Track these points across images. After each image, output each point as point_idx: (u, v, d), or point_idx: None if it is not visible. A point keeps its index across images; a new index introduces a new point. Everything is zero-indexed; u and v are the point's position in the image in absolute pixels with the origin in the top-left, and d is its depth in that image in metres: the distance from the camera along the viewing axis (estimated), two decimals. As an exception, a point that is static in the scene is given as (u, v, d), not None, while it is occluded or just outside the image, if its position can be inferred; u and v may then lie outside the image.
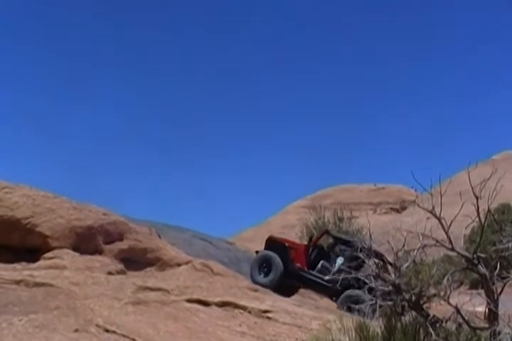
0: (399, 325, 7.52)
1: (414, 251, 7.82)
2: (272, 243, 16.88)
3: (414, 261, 7.73)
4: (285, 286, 16.13)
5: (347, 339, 7.57)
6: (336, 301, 15.61)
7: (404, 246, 7.87)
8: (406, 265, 7.60)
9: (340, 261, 16.25)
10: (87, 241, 13.55)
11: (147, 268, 13.81)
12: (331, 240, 17.12)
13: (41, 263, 12.74)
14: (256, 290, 12.47)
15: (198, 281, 12.38)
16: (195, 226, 17.38)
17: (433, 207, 7.65)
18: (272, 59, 70.46)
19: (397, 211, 33.73)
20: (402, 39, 71.22)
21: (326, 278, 15.83)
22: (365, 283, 15.45)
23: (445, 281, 7.41)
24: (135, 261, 13.85)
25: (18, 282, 11.52)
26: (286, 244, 16.78)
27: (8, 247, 13.10)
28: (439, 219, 7.64)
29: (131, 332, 9.82)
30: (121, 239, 13.98)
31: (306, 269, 16.28)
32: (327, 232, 17.09)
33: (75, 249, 13.27)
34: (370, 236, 8.29)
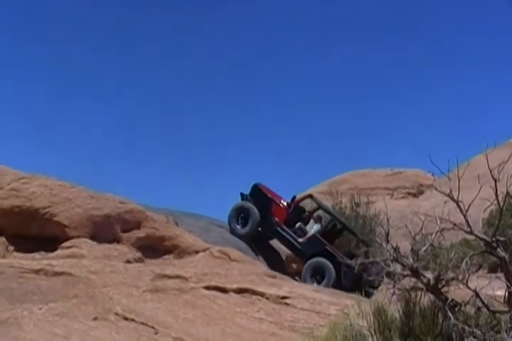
0: (417, 309, 7.49)
1: (431, 235, 7.77)
2: (257, 192, 17.02)
3: (432, 244, 7.68)
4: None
5: (365, 324, 7.54)
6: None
7: (421, 230, 7.82)
8: (424, 249, 7.55)
9: (316, 227, 16.71)
10: (104, 230, 13.61)
11: (165, 255, 13.86)
12: (314, 205, 17.32)
13: (60, 252, 12.81)
14: (274, 277, 12.47)
15: (216, 268, 12.39)
16: (211, 214, 17.39)
17: (450, 191, 7.58)
18: (285, 39, 70.08)
19: (414, 195, 33.57)
20: (420, 18, 70.46)
21: (300, 240, 16.13)
22: (333, 255, 15.99)
23: (464, 265, 7.36)
24: (153, 249, 13.90)
25: (37, 271, 11.59)
26: (270, 196, 16.90)
27: (27, 237, 13.18)
28: (457, 202, 7.57)
29: (150, 319, 9.86)
30: (138, 228, 14.04)
31: (283, 226, 16.53)
32: (311, 197, 17.27)
33: (93, 237, 13.34)
34: (388, 220, 8.23)
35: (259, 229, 16.95)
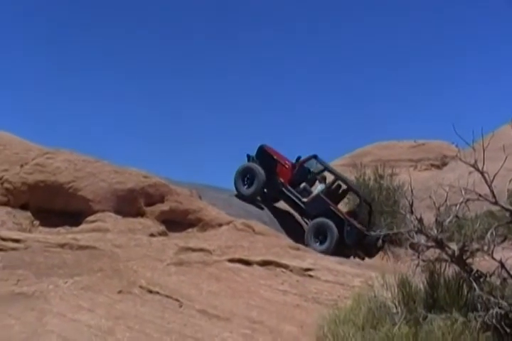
0: (442, 280, 7.46)
1: (456, 206, 7.70)
2: (263, 153, 17.14)
3: (456, 216, 7.62)
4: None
5: (389, 295, 7.53)
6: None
7: (446, 201, 7.75)
8: (448, 220, 7.49)
9: (320, 187, 16.85)
10: (128, 204, 13.67)
11: (188, 229, 13.91)
12: (319, 166, 17.41)
13: (84, 226, 12.90)
14: (297, 249, 12.48)
15: (240, 241, 12.41)
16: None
17: (475, 162, 7.49)
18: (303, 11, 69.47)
19: (438, 167, 33.34)
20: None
21: (304, 200, 16.23)
22: (336, 215, 16.22)
23: (488, 236, 7.30)
24: (176, 222, 13.95)
25: (62, 245, 11.68)
26: (275, 157, 17.01)
27: (52, 211, 13.28)
28: (481, 173, 7.49)
29: (174, 292, 9.92)
30: (162, 201, 14.08)
31: (287, 186, 16.68)
32: (315, 157, 17.22)
33: (117, 211, 13.41)
34: (412, 191, 8.16)
35: (265, 190, 17.12)
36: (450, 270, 7.51)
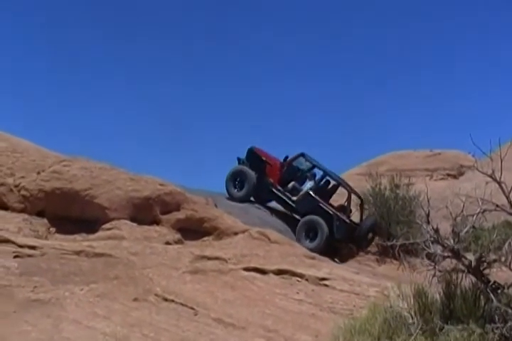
0: (458, 291, 7.41)
1: (473, 216, 7.65)
2: (252, 155, 17.33)
3: (473, 226, 7.57)
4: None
5: (405, 305, 7.48)
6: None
7: (462, 211, 7.70)
8: (465, 230, 7.44)
9: (309, 185, 17.03)
10: (144, 212, 13.71)
11: (204, 237, 13.91)
12: (308, 163, 17.47)
13: (100, 234, 12.95)
14: (313, 258, 12.45)
15: (255, 250, 12.41)
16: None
17: (493, 171, 7.44)
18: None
19: (454, 177, 33.16)
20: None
21: (293, 198, 16.52)
22: (326, 212, 16.18)
23: (506, 247, 7.24)
24: (192, 230, 13.96)
25: (78, 252, 11.73)
26: (264, 158, 17.19)
27: (68, 219, 13.33)
28: (499, 183, 7.44)
29: (190, 300, 9.93)
30: (178, 209, 14.10)
31: (277, 186, 16.91)
32: (303, 155, 17.32)
33: (133, 219, 13.45)
34: (428, 201, 8.13)
35: (257, 191, 17.29)
36: (467, 281, 7.46)
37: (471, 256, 7.36)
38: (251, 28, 67.80)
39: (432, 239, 7.48)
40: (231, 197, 16.91)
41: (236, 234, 13.75)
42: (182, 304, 9.84)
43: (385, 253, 17.74)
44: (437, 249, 7.55)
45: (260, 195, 17.34)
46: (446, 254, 7.45)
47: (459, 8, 66.08)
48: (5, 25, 57.52)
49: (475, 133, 7.80)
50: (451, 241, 7.40)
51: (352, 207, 17.16)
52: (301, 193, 16.78)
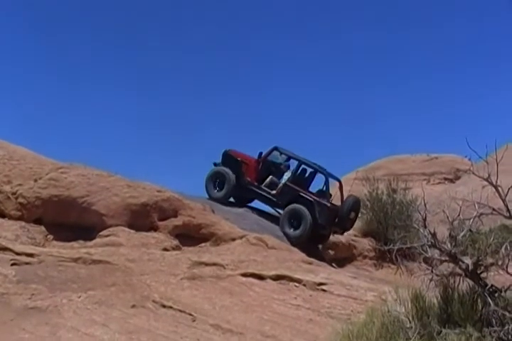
0: (456, 295, 7.42)
1: (469, 220, 7.67)
2: (227, 157, 17.51)
3: (470, 230, 7.59)
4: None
5: (403, 310, 7.49)
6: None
7: (459, 215, 7.73)
8: (462, 234, 7.46)
9: (286, 176, 17.20)
10: (142, 219, 13.71)
11: (202, 243, 13.91)
12: (283, 156, 17.62)
13: (98, 240, 12.94)
14: (310, 263, 12.46)
15: (253, 255, 12.41)
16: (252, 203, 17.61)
17: (489, 175, 7.46)
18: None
19: (451, 181, 33.20)
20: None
21: (273, 192, 16.88)
22: (307, 199, 16.33)
23: (503, 250, 7.26)
24: (190, 236, 13.96)
25: (76, 259, 11.72)
26: (239, 159, 17.39)
27: (66, 226, 13.33)
28: (495, 187, 7.46)
29: (188, 307, 9.93)
30: (175, 216, 14.10)
31: (255, 183, 17.11)
32: (276, 149, 17.51)
33: (131, 226, 13.45)
34: (425, 205, 8.14)
35: (238, 192, 17.45)
36: (464, 284, 7.47)
37: (468, 260, 7.38)
38: (252, 32, 67.93)
39: (429, 243, 7.50)
40: (211, 198, 17.01)
41: (234, 239, 13.76)
42: (180, 310, 9.84)
43: (383, 258, 17.77)
44: (434, 253, 7.57)
45: (241, 195, 17.52)
46: (443, 258, 7.47)
47: (460, 15, 66.30)
48: (4, 31, 57.54)
49: (471, 137, 7.80)
50: (449, 245, 7.42)
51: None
52: (280, 186, 16.95)
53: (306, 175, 17.56)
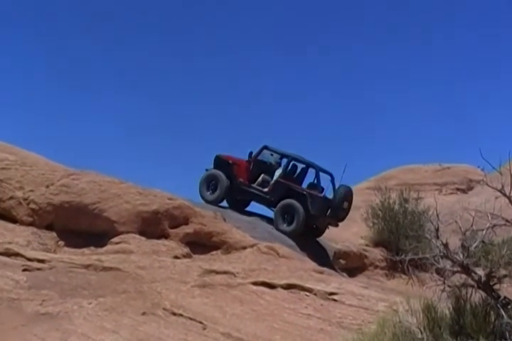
0: (468, 306, 7.37)
1: (482, 231, 7.63)
2: (219, 161, 17.68)
3: (483, 241, 7.54)
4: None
5: (414, 321, 7.45)
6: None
7: (472, 226, 7.68)
8: (475, 245, 7.42)
9: (277, 173, 17.38)
10: (153, 226, 13.71)
11: (213, 251, 13.88)
12: (275, 154, 17.79)
13: (109, 247, 12.95)
14: (322, 273, 12.41)
15: (264, 264, 12.39)
16: (258, 210, 17.62)
17: (502, 186, 7.43)
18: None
19: (464, 191, 33.05)
20: None
21: (265, 190, 17.11)
22: (299, 193, 16.48)
23: (516, 262, 7.22)
24: (200, 244, 13.94)
25: (86, 266, 11.75)
26: (230, 161, 17.57)
27: (77, 232, 13.35)
28: (508, 198, 7.43)
29: (198, 315, 9.91)
30: (186, 223, 14.09)
31: (247, 183, 17.28)
32: (266, 148, 17.65)
33: (142, 233, 13.45)
34: (438, 215, 8.10)
35: (232, 195, 17.60)
36: (477, 296, 7.42)
37: (480, 271, 7.33)
38: (252, 30, 67.87)
39: (442, 253, 7.46)
40: (204, 200, 17.14)
41: (245, 248, 13.73)
42: (190, 318, 9.82)
43: (394, 268, 17.71)
44: (447, 264, 7.53)
45: (235, 197, 17.64)
46: (455, 269, 7.43)
47: (472, 23, 66.20)
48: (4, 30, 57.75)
49: (484, 147, 7.78)
50: (461, 256, 7.37)
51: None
52: (271, 183, 17.14)
53: (298, 171, 17.77)
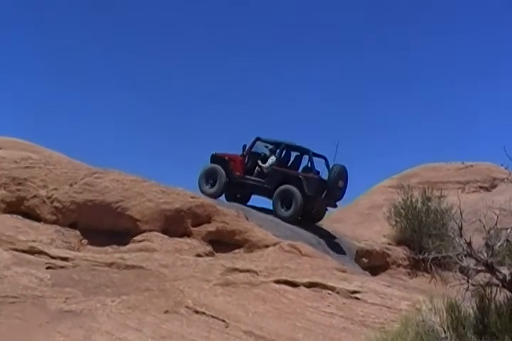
0: (492, 305, 7.31)
1: (507, 229, 7.57)
2: (216, 159, 17.95)
3: (507, 239, 7.48)
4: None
5: (438, 320, 7.41)
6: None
7: (496, 224, 7.62)
8: (499, 244, 7.36)
9: (271, 160, 17.64)
10: (175, 224, 13.75)
11: (235, 250, 13.89)
12: (268, 145, 18.04)
13: (131, 246, 13.01)
14: (344, 271, 12.38)
15: (286, 262, 12.38)
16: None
17: (526, 184, 7.37)
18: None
19: (487, 189, 32.75)
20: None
21: (262, 180, 17.40)
22: (296, 177, 16.73)
23: (541, 260, 7.16)
24: (223, 243, 13.96)
25: (109, 264, 11.81)
26: (226, 158, 17.86)
27: (100, 230, 13.41)
28: (533, 196, 7.36)
29: (220, 313, 9.93)
30: (209, 222, 14.11)
31: (244, 176, 17.57)
32: (258, 139, 17.95)
33: (164, 231, 13.50)
34: (461, 214, 8.04)
35: (231, 190, 17.87)
36: (501, 295, 7.36)
37: (505, 270, 7.27)
38: (254, 28, 67.73)
39: (465, 252, 7.40)
40: (203, 194, 17.21)
41: (267, 246, 13.72)
42: (213, 316, 9.84)
43: (417, 267, 17.62)
44: (470, 263, 7.47)
45: (234, 192, 17.91)
46: (479, 268, 7.37)
47: (486, 19, 65.71)
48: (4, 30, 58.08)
49: (508, 145, 7.71)
50: (485, 254, 7.31)
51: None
52: (267, 171, 17.40)
53: (292, 158, 18.00)
